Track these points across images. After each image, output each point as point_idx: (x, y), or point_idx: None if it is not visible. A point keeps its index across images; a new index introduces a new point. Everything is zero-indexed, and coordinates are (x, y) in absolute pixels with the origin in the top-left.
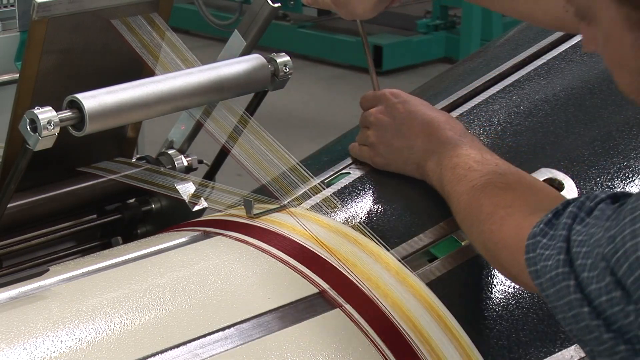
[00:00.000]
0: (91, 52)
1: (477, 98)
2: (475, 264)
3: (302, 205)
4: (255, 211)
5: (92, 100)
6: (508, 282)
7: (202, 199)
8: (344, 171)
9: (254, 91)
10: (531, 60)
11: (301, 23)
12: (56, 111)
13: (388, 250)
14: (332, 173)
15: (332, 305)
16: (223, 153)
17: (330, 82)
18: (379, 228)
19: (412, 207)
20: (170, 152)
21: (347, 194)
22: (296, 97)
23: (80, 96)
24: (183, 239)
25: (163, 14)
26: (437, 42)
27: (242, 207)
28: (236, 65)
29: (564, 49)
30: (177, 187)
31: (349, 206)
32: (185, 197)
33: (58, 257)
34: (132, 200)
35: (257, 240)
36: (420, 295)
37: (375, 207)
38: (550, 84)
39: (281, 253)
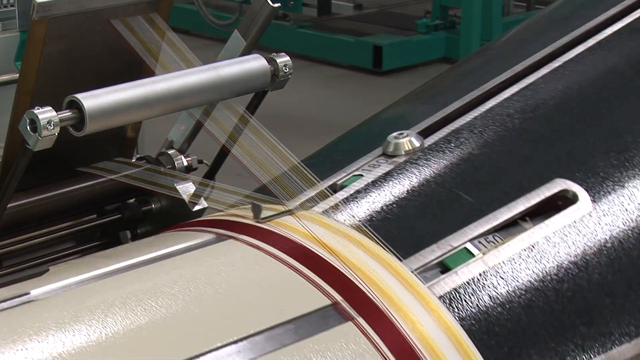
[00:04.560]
0: (91, 52)
1: (491, 100)
2: (488, 276)
3: (313, 208)
4: (264, 213)
5: (92, 100)
6: (522, 298)
7: (202, 199)
8: (356, 173)
9: (253, 91)
10: (547, 61)
11: (301, 23)
12: (56, 111)
13: (401, 260)
14: (344, 175)
15: (344, 318)
16: (223, 153)
17: (330, 82)
18: (392, 237)
19: (425, 215)
20: (170, 152)
21: (359, 198)
22: (296, 97)
23: (80, 96)
24: (195, 242)
25: (163, 14)
26: (437, 42)
27: (246, 206)
28: (236, 66)
29: (579, 51)
30: (177, 187)
31: (361, 211)
32: (185, 197)
33: (58, 257)
34: (132, 200)
35: (269, 246)
36: (433, 310)
37: (389, 214)
38: (566, 89)
39: (294, 261)
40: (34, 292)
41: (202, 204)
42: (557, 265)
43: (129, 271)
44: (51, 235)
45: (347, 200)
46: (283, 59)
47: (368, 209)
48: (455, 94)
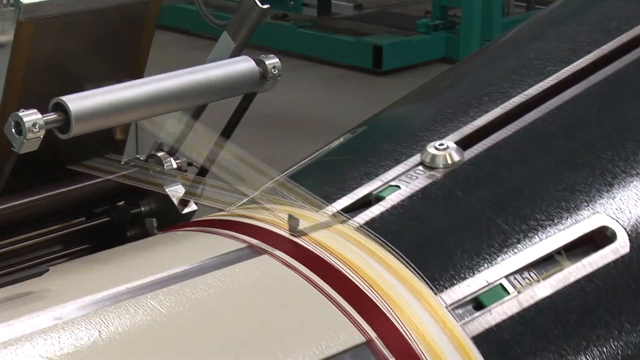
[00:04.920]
0: (80, 54)
1: (534, 112)
2: (522, 318)
3: (349, 221)
4: (300, 224)
5: (78, 102)
6: (554, 345)
7: (191, 201)
8: (393, 183)
9: (242, 93)
10: (591, 71)
11: (301, 23)
12: (42, 113)
13: (436, 294)
14: (380, 184)
15: (378, 358)
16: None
17: (330, 82)
18: (428, 266)
19: (463, 243)
20: (160, 154)
21: (396, 216)
22: (296, 97)
23: (66, 98)
24: (227, 251)
25: (152, 15)
26: (437, 42)
27: (258, 206)
28: (224, 67)
29: (627, 62)
30: (166, 190)
31: (398, 233)
32: (176, 200)
33: (46, 260)
34: (121, 203)
35: (305, 268)
36: (467, 354)
37: (426, 239)
38: (611, 108)
39: (330, 289)
40: (60, 312)
41: (192, 206)
42: (590, 311)
43: (163, 288)
44: (39, 239)
45: (383, 216)
46: (272, 61)
47: (405, 231)
48: (456, 94)
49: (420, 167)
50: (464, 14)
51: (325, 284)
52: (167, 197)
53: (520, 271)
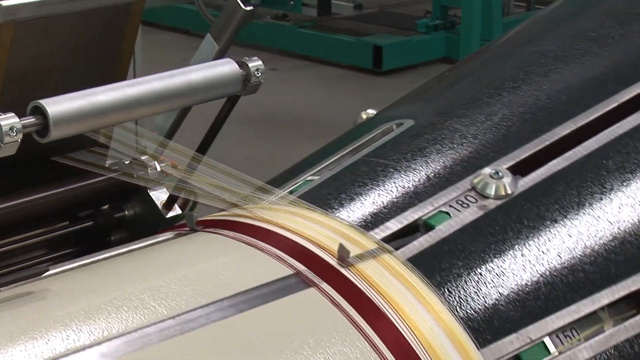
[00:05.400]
0: (60, 57)
1: (592, 141)
2: None
3: (398, 250)
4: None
5: (56, 106)
6: None
7: (175, 205)
8: (443, 209)
9: (224, 96)
10: None
11: (301, 23)
12: (21, 117)
13: (479, 349)
14: (431, 208)
15: None
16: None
17: (330, 82)
18: (475, 315)
19: (513, 294)
20: (144, 157)
21: (445, 250)
22: (296, 97)
23: (44, 102)
24: (274, 281)
25: (133, 19)
26: (437, 42)
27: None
28: (206, 70)
29: None
30: (150, 194)
31: (446, 273)
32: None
33: (30, 264)
34: (105, 207)
35: (352, 309)
36: None
37: (475, 285)
38: None
39: (374, 335)
40: (107, 348)
41: (176, 210)
42: None
43: (210, 324)
44: (22, 243)
45: (432, 251)
46: (255, 63)
47: (454, 273)
48: (456, 94)
49: (472, 194)
50: (464, 14)
51: (371, 330)
52: (151, 202)
53: (563, 328)
